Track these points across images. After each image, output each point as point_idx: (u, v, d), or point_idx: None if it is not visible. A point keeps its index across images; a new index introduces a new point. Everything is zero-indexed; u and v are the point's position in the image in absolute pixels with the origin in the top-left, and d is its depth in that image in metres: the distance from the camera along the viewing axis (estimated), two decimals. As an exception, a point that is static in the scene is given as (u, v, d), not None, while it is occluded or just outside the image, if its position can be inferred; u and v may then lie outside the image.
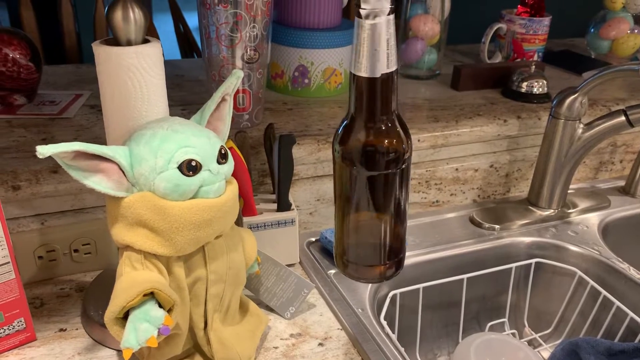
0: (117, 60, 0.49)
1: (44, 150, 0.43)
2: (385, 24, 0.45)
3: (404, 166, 0.51)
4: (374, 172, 0.50)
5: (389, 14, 0.45)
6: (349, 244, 0.56)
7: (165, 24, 2.44)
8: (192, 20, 1.45)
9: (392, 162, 0.50)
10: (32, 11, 1.28)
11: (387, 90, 0.48)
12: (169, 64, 0.96)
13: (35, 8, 1.28)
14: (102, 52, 0.50)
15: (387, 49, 0.46)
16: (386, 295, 0.72)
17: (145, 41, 0.51)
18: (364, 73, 0.47)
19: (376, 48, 0.46)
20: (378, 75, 0.47)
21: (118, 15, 0.49)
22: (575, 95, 0.80)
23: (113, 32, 0.50)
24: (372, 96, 0.48)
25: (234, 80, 0.54)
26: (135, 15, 0.49)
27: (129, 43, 0.50)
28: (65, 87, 0.90)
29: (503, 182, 0.94)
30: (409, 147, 0.51)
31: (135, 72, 0.50)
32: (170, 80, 0.94)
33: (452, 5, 1.04)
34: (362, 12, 0.45)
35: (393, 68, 0.47)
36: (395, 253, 0.56)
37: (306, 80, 0.90)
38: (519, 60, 1.11)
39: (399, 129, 0.50)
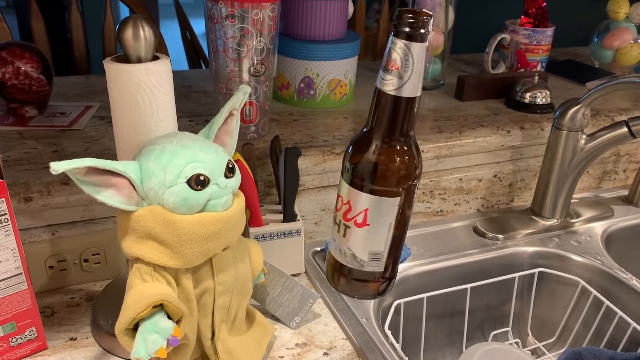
0: (127, 77, 0.50)
1: (57, 167, 0.44)
2: (422, 49, 0.47)
3: (410, 188, 0.52)
4: (381, 190, 0.51)
5: (426, 40, 0.46)
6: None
7: (172, 30, 2.46)
8: (199, 26, 1.46)
9: (401, 183, 0.51)
10: (42, 22, 1.30)
11: (410, 112, 0.49)
12: (176, 75, 0.97)
13: (44, 18, 1.30)
14: (113, 69, 0.51)
15: (419, 74, 0.47)
16: (390, 304, 0.72)
17: (155, 58, 0.52)
18: (392, 91, 0.48)
19: (409, 70, 0.47)
20: (406, 95, 0.48)
21: (129, 33, 0.50)
22: (578, 106, 0.80)
23: (123, 49, 0.51)
24: (395, 115, 0.49)
25: (241, 96, 0.56)
26: (146, 33, 0.50)
27: (139, 60, 0.51)
28: (75, 99, 0.91)
29: (506, 192, 0.95)
30: (419, 172, 0.52)
31: (145, 88, 0.51)
32: (178, 92, 0.95)
33: (456, 16, 1.05)
34: (402, 32, 0.46)
35: (418, 93, 0.49)
36: (390, 269, 0.57)
37: (312, 92, 0.91)
38: (522, 70, 1.12)
39: (414, 152, 0.51)
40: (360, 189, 0.51)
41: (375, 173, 0.51)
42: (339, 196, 0.54)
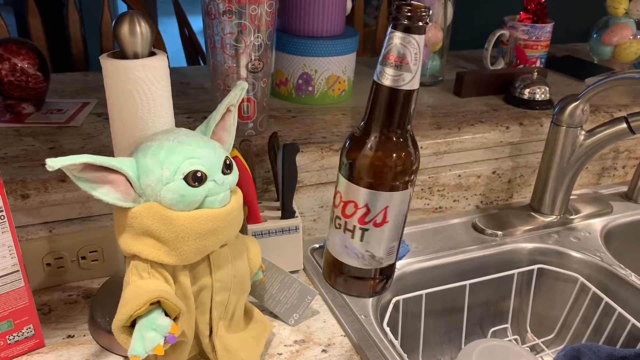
0: (124, 73, 0.50)
1: (53, 163, 0.44)
2: (421, 41, 0.46)
3: (409, 183, 0.52)
4: (379, 188, 0.51)
5: (424, 32, 0.46)
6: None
7: (170, 27, 2.45)
8: (197, 23, 1.45)
9: (399, 178, 0.51)
10: (39, 18, 1.29)
11: (407, 105, 0.49)
12: (174, 71, 0.97)
13: (42, 15, 1.30)
14: (109, 65, 0.51)
15: (417, 65, 0.47)
16: (389, 301, 0.72)
17: (152, 54, 0.52)
18: (390, 83, 0.48)
19: (409, 62, 0.47)
20: (403, 88, 0.47)
21: (125, 29, 0.50)
22: (577, 102, 0.80)
23: (120, 45, 0.51)
24: (392, 108, 0.49)
25: (239, 92, 0.55)
26: (142, 28, 0.50)
27: (136, 56, 0.51)
28: (72, 95, 0.91)
29: (505, 188, 0.95)
30: (417, 164, 0.52)
31: (142, 84, 0.51)
32: (176, 88, 0.95)
33: (454, 12, 1.04)
34: (401, 25, 0.46)
35: (416, 86, 0.48)
36: (386, 268, 0.57)
37: (310, 88, 0.91)
38: (521, 66, 1.12)
39: (410, 147, 0.51)
40: (377, 188, 0.51)
41: (379, 170, 0.51)
42: (348, 203, 0.53)
